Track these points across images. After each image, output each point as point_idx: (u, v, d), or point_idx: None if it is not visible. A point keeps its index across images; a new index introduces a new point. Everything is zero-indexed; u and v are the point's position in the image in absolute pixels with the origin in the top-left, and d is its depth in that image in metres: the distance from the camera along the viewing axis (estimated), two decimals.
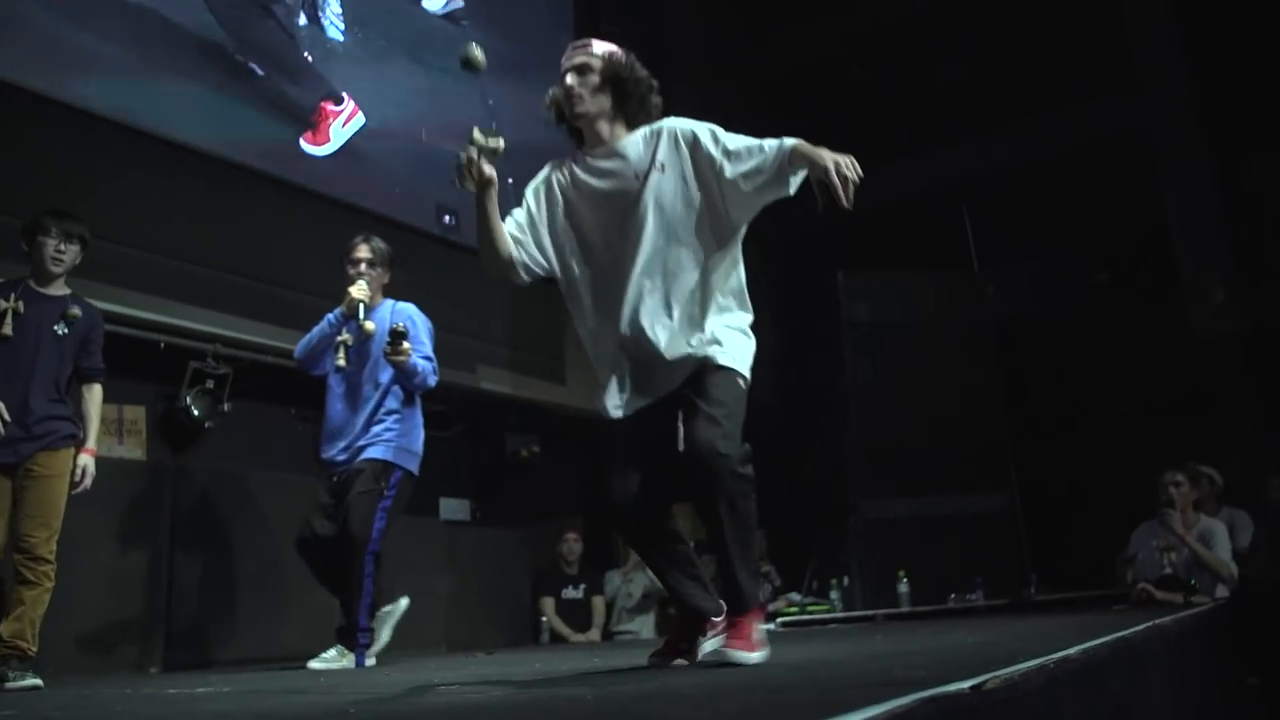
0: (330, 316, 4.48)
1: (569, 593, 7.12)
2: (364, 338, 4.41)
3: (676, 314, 2.66)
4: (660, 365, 2.64)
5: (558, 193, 2.80)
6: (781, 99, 9.65)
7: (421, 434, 4.63)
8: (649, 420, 2.67)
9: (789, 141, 2.61)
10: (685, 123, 2.79)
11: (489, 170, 2.59)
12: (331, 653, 4.20)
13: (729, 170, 2.66)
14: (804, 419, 8.45)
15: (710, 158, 2.69)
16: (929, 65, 9.01)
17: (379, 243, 4.65)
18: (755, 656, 2.52)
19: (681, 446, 2.53)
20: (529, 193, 2.83)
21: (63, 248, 3.94)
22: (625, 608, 7.25)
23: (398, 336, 4.27)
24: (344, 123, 6.43)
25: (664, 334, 2.64)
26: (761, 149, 2.64)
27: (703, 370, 2.62)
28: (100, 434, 5.16)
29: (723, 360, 2.64)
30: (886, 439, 7.25)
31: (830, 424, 7.79)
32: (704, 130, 2.75)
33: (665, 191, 2.69)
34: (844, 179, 2.44)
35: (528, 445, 7.82)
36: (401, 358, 4.17)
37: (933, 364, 7.27)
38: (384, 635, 4.51)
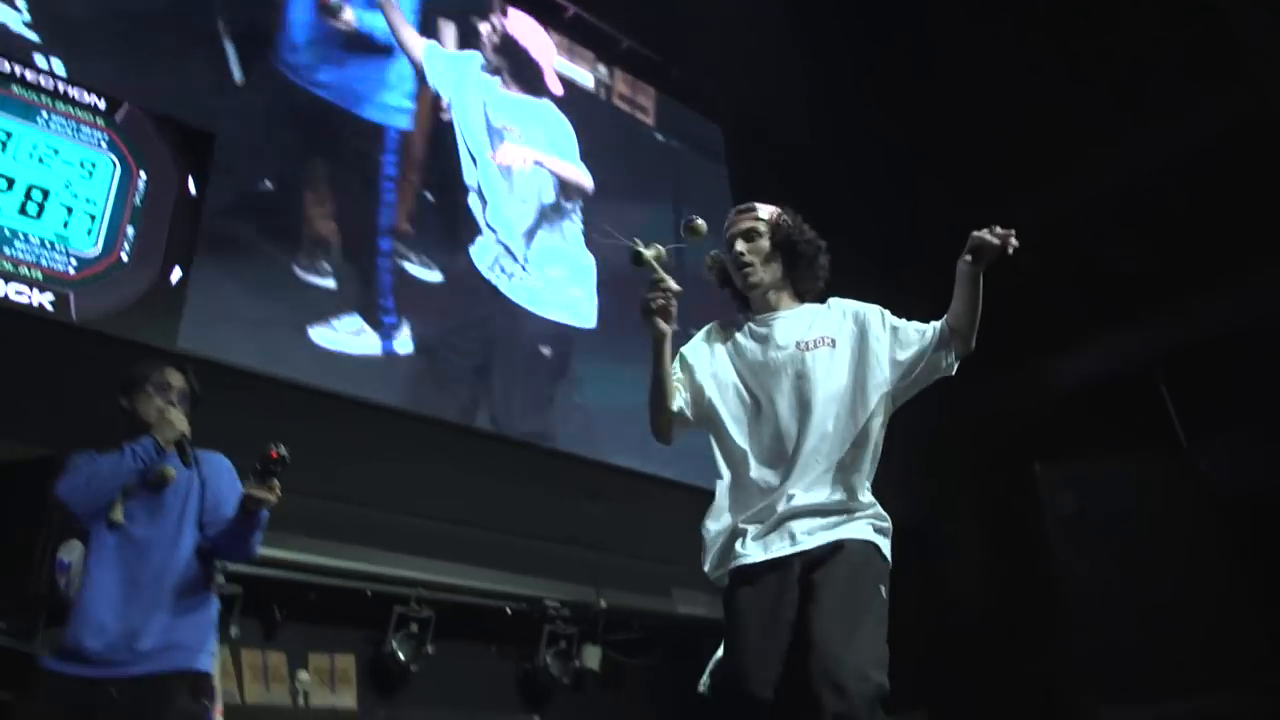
0: (136, 447, 3.17)
1: None
2: (164, 483, 3.21)
3: (840, 482, 2.60)
4: (808, 518, 2.56)
5: (723, 351, 2.81)
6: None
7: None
8: (776, 577, 2.52)
9: (941, 328, 2.71)
10: (855, 303, 2.84)
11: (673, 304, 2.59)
12: None
13: (898, 352, 2.71)
14: (1017, 621, 7.94)
15: (880, 336, 2.73)
16: (1102, 247, 8.85)
17: (192, 378, 3.41)
18: None
19: (806, 651, 2.27)
20: (687, 351, 2.84)
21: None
22: None
23: (270, 467, 3.07)
24: None
25: (824, 492, 2.57)
26: (925, 334, 2.71)
27: (848, 548, 2.50)
28: (315, 684, 5.41)
29: (872, 538, 2.55)
30: (1113, 638, 6.69)
31: (1047, 625, 7.27)
32: (875, 310, 2.81)
33: (833, 366, 2.69)
34: (1002, 238, 2.54)
35: None
36: (267, 498, 2.98)
37: (1153, 552, 6.76)
38: None
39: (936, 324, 2.72)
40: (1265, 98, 8.11)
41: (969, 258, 2.59)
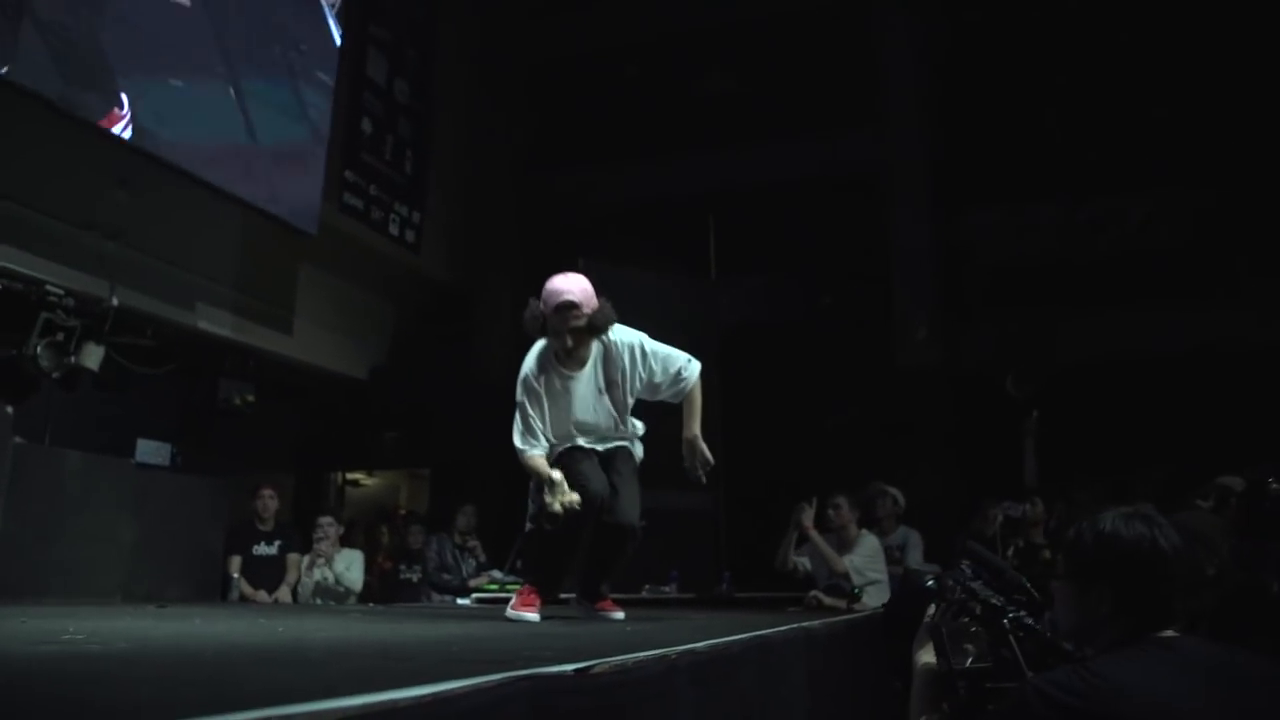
0: None
1: (261, 549, 6.83)
2: None
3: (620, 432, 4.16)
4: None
5: (548, 390, 4.00)
6: (550, 87, 9.72)
7: None
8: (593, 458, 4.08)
9: (689, 383, 4.13)
10: (629, 338, 4.07)
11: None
12: None
13: (653, 389, 4.14)
14: None
15: (642, 372, 4.07)
16: (695, 74, 9.31)
17: None
18: (619, 614, 4.02)
19: (614, 517, 3.95)
20: (531, 384, 4.00)
21: None
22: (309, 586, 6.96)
23: None
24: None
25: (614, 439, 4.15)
26: (674, 382, 4.11)
27: (626, 453, 4.16)
28: None
29: (635, 450, 4.23)
30: None
31: None
32: (638, 347, 4.06)
33: (619, 392, 4.06)
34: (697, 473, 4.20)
35: (243, 393, 7.49)
36: None
37: None
38: None
39: (683, 382, 4.12)
40: None
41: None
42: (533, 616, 3.73)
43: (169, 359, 7.00)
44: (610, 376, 4.08)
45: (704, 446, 4.15)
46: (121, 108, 5.80)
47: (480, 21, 9.79)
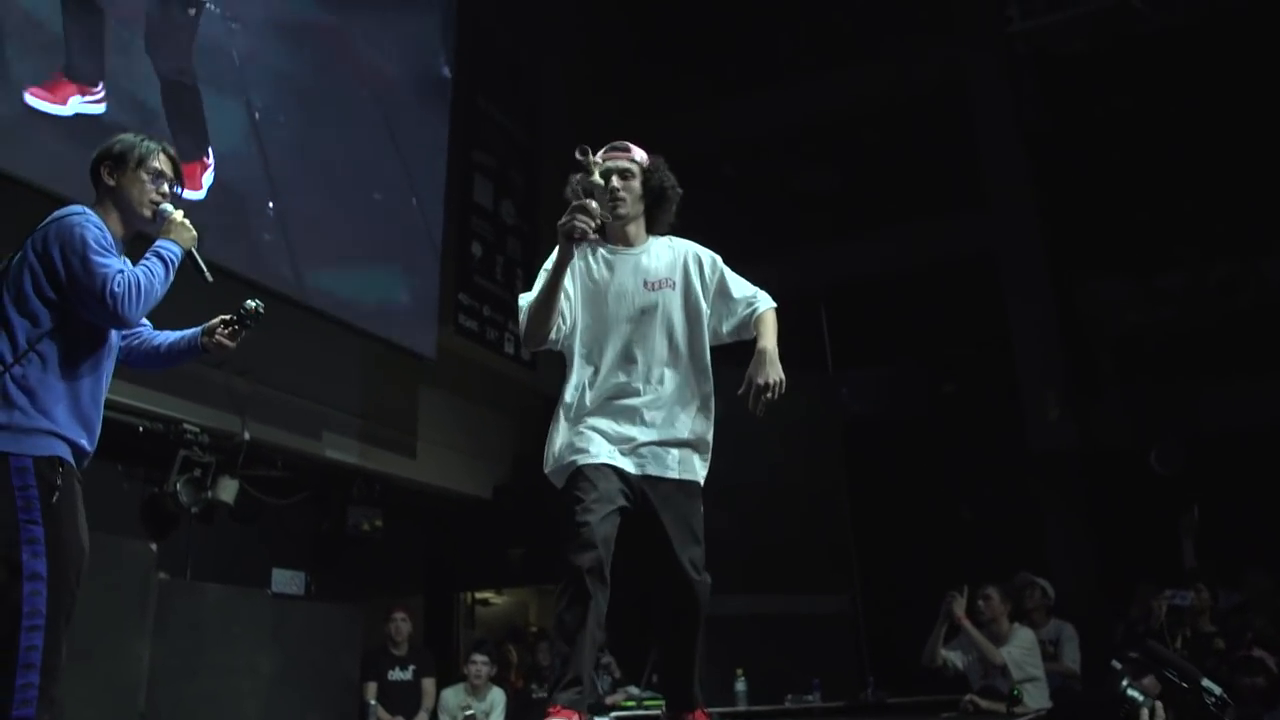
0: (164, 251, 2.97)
1: (395, 674, 6.82)
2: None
3: (689, 416, 2.99)
4: (661, 454, 2.94)
5: (584, 275, 3.01)
6: None
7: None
8: (630, 484, 2.90)
9: (762, 307, 3.08)
10: (701, 249, 3.14)
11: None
12: None
13: (724, 305, 3.09)
14: None
15: (709, 277, 3.08)
16: (798, 171, 9.35)
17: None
18: None
19: (675, 571, 2.94)
20: (567, 279, 2.95)
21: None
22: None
23: (248, 321, 3.21)
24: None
25: (681, 431, 2.97)
26: (748, 304, 3.09)
27: (691, 489, 3.00)
28: None
29: (700, 480, 3.03)
30: (729, 534, 7.22)
31: None
32: (712, 260, 3.12)
33: (682, 304, 3.02)
34: (760, 394, 2.88)
35: (370, 519, 7.58)
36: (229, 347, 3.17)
37: (781, 462, 7.30)
38: None
39: (757, 303, 3.10)
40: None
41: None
42: None
43: (299, 488, 7.14)
44: (664, 275, 3.04)
45: (778, 365, 2.98)
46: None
47: (578, 138, 10.02)
